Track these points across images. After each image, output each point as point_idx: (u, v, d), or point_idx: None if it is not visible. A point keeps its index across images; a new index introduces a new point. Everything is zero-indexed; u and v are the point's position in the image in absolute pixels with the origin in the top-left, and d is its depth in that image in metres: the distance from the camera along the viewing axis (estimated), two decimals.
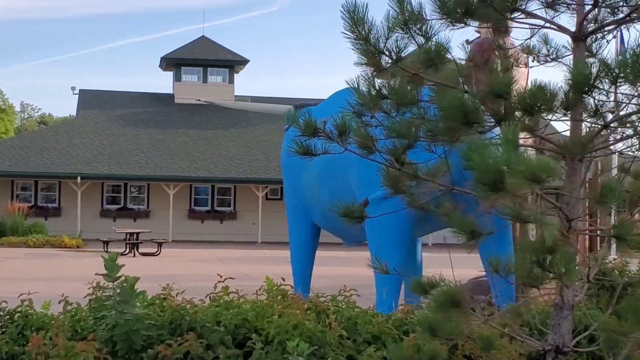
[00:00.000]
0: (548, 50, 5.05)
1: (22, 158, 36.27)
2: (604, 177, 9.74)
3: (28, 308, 6.57)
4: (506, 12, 4.89)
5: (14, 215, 33.31)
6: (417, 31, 4.89)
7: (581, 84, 4.31)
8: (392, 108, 5.44)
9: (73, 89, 45.23)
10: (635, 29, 5.17)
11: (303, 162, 12.10)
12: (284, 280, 7.24)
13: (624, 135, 4.97)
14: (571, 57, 5.11)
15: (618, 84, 4.54)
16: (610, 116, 4.84)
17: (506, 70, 5.21)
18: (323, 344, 6.25)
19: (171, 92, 44.79)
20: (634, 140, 4.94)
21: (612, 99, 4.81)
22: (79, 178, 35.43)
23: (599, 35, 5.18)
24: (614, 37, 5.20)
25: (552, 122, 5.07)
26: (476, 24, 5.28)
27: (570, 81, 4.59)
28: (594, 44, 5.20)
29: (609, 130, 4.89)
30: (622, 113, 4.83)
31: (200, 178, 37.11)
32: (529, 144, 5.40)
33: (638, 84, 4.52)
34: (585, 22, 5.03)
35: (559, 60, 4.96)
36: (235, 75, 44.57)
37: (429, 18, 5.00)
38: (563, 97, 4.64)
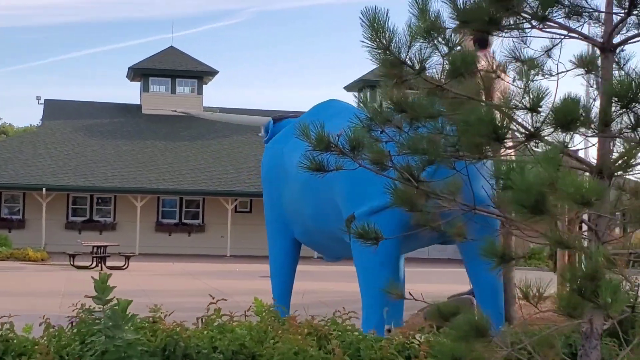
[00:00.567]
0: (577, 62, 4.74)
1: None
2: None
3: (9, 332, 6.13)
4: (535, 21, 4.61)
5: None
6: (441, 40, 4.57)
7: (624, 97, 4.01)
8: (405, 122, 5.13)
9: (38, 98, 44.31)
10: None
11: (284, 175, 11.88)
12: (275, 300, 6.89)
13: None
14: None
15: None
16: None
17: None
18: None
19: (139, 102, 44.13)
20: None
21: None
22: (44, 189, 34.66)
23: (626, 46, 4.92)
24: None
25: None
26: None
27: (605, 94, 4.31)
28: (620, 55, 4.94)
29: None
30: None
31: (168, 190, 36.52)
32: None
33: None
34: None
35: (591, 71, 4.66)
36: (204, 86, 44.06)
37: (448, 26, 4.71)
38: (597, 111, 4.36)
